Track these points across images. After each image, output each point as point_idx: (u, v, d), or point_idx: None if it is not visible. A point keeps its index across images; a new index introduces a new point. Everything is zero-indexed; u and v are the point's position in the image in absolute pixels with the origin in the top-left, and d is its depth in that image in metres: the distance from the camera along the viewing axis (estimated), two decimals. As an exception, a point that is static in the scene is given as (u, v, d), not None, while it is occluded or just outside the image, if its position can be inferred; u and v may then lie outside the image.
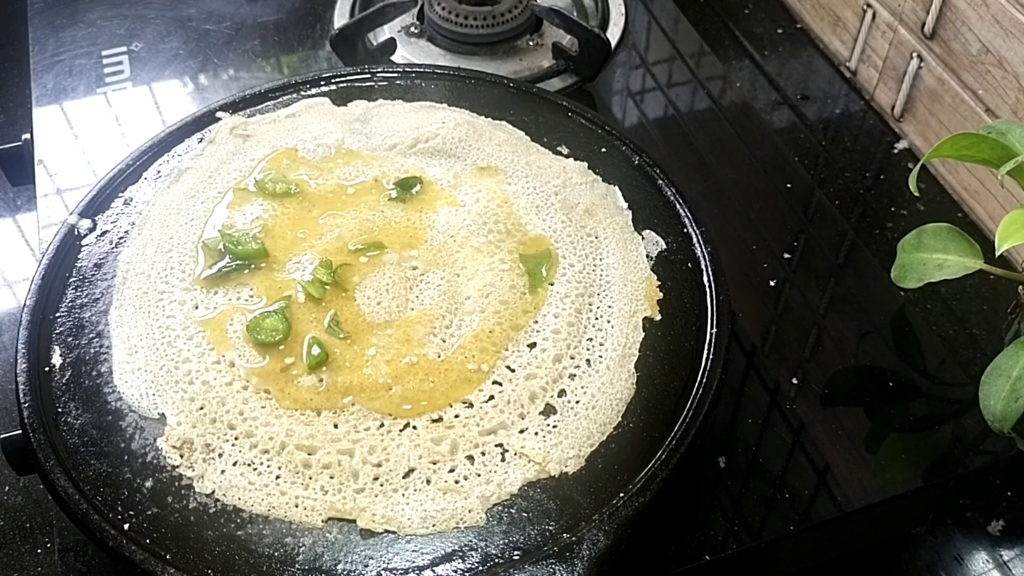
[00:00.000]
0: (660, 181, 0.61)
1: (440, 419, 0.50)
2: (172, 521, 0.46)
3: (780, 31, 0.84)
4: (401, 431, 0.49)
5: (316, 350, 0.52)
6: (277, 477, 0.48)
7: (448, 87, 0.67)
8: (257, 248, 0.56)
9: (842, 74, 0.80)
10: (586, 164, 0.62)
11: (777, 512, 0.53)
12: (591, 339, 0.53)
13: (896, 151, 0.75)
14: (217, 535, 0.46)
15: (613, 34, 0.82)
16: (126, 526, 0.46)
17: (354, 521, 0.46)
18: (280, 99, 0.66)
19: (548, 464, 0.48)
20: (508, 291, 0.55)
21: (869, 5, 0.75)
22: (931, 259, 0.57)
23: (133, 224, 0.58)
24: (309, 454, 0.48)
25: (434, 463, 0.48)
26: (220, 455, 0.48)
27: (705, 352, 0.52)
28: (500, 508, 0.47)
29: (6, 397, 0.56)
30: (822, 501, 0.54)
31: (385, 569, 0.45)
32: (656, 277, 0.56)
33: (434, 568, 0.45)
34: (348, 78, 0.67)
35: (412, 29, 0.82)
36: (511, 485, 0.48)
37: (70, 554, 0.51)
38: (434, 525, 0.46)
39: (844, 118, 0.77)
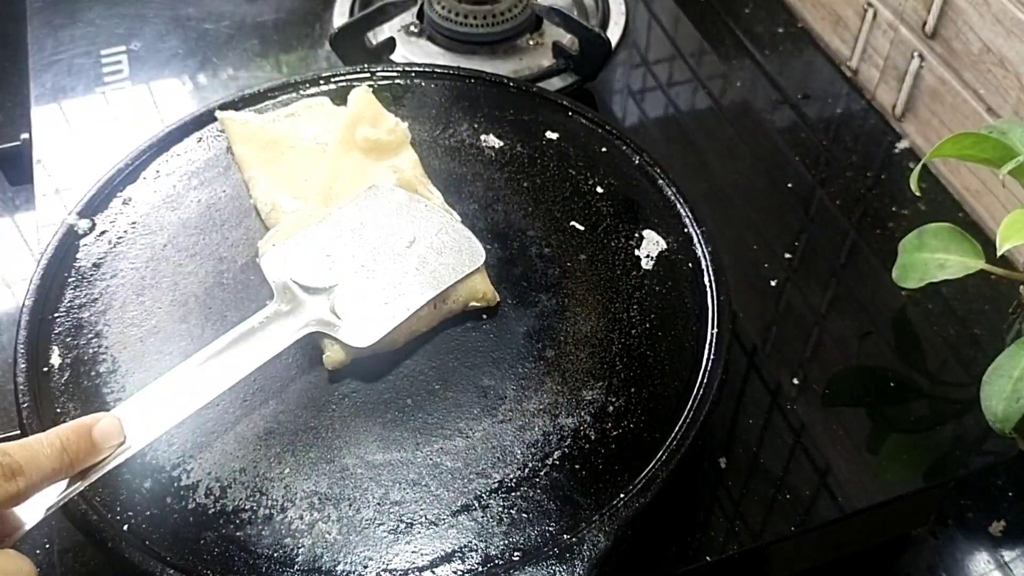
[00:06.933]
0: (661, 181, 0.61)
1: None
2: (171, 522, 0.46)
3: (781, 30, 0.84)
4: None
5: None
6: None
7: (448, 86, 0.67)
8: None
9: (843, 73, 0.80)
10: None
11: (778, 513, 0.53)
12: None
13: (897, 151, 0.74)
14: (216, 536, 0.46)
15: (613, 33, 0.82)
16: (125, 527, 0.45)
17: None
18: (279, 98, 0.66)
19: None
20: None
21: (870, 4, 0.75)
22: (932, 259, 0.57)
23: (132, 224, 0.58)
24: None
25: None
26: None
27: (706, 352, 0.52)
28: (500, 509, 0.47)
29: (4, 398, 0.56)
30: (823, 502, 0.54)
31: (385, 570, 0.45)
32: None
33: (434, 569, 0.45)
34: (348, 77, 0.67)
35: (412, 28, 0.81)
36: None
37: (69, 554, 0.51)
38: None
39: (845, 117, 0.77)
